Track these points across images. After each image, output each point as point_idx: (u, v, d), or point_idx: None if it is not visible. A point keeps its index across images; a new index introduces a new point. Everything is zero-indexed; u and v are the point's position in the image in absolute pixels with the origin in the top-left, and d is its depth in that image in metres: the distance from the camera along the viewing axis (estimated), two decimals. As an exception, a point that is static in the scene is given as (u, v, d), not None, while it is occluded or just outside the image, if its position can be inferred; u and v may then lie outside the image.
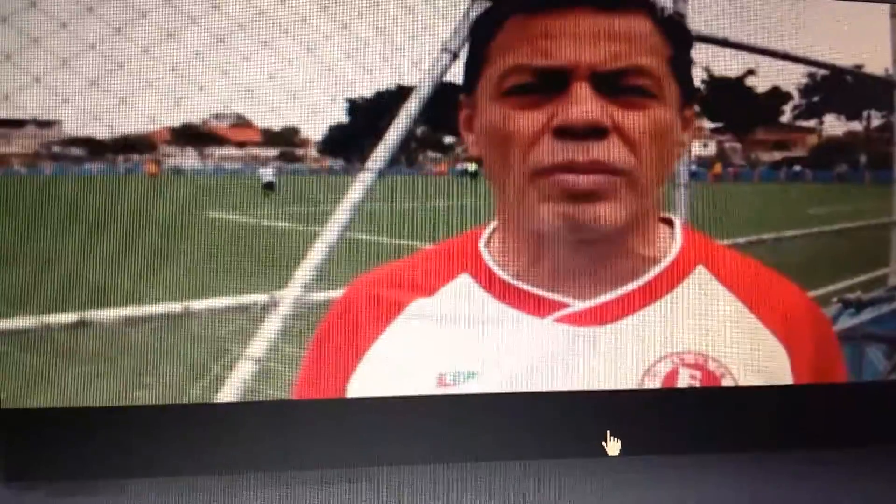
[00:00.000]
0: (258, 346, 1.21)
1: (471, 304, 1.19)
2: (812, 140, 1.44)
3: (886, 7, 1.36)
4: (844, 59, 1.35)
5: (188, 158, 1.25)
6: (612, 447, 1.29)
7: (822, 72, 1.34)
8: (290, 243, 1.23)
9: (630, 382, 1.24)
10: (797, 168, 1.44)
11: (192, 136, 1.23)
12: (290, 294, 1.22)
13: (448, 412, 1.27)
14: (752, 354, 1.24)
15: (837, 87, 1.36)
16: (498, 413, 1.26)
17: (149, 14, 1.13)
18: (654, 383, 1.25)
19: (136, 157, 1.22)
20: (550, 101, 1.08)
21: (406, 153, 1.29)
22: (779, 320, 1.23)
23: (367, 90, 1.20)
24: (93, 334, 1.18)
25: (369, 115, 1.22)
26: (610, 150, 1.08)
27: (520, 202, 1.11)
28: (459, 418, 1.27)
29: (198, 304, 1.20)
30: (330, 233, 1.22)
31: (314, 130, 1.23)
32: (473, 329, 1.20)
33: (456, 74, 1.22)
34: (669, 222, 1.22)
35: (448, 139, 1.33)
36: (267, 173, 1.27)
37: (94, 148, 1.20)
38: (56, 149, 1.19)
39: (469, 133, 1.17)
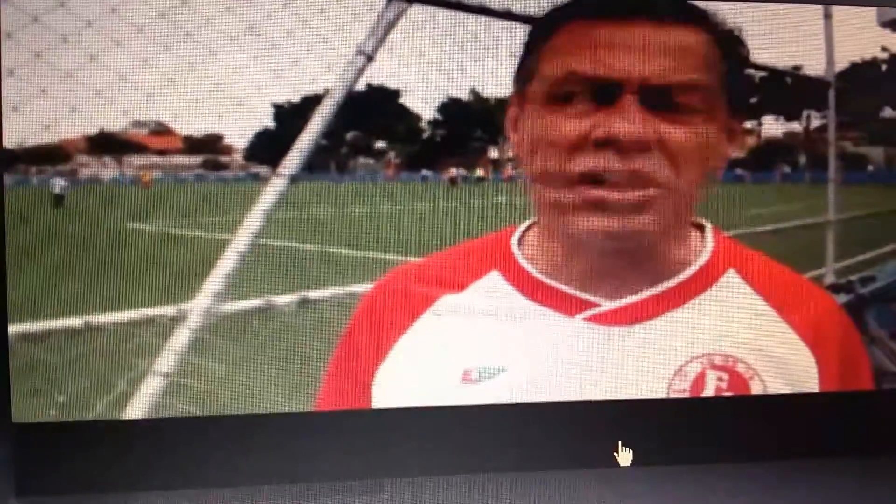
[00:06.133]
0: (166, 359, 1.17)
1: (500, 301, 1.19)
2: (751, 141, 1.43)
3: (820, 8, 1.35)
4: (781, 61, 1.33)
5: (107, 168, 1.21)
6: (624, 458, 1.28)
7: (761, 73, 1.33)
8: (200, 253, 1.19)
9: (660, 383, 1.25)
10: (738, 171, 1.43)
11: (109, 144, 1.19)
12: (199, 305, 1.18)
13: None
14: (780, 359, 1.25)
15: (776, 88, 1.35)
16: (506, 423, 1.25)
17: (41, 18, 1.09)
18: (684, 384, 1.25)
19: (49, 168, 1.18)
20: (598, 112, 1.09)
21: (336, 159, 1.26)
22: (808, 327, 1.24)
23: (275, 95, 1.17)
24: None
25: (290, 119, 1.20)
26: (651, 163, 1.09)
27: (557, 208, 1.12)
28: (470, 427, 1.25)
29: (100, 318, 1.16)
30: (240, 240, 1.19)
31: (236, 136, 1.20)
32: (501, 325, 1.20)
33: (376, 77, 1.20)
34: (700, 227, 1.23)
35: (380, 144, 1.30)
36: (56, 185, 1.20)
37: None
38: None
39: (515, 133, 1.16)
